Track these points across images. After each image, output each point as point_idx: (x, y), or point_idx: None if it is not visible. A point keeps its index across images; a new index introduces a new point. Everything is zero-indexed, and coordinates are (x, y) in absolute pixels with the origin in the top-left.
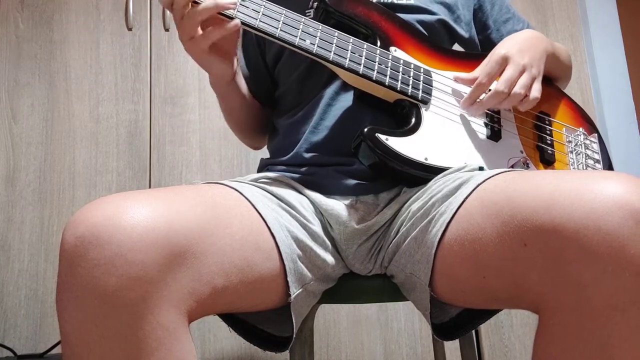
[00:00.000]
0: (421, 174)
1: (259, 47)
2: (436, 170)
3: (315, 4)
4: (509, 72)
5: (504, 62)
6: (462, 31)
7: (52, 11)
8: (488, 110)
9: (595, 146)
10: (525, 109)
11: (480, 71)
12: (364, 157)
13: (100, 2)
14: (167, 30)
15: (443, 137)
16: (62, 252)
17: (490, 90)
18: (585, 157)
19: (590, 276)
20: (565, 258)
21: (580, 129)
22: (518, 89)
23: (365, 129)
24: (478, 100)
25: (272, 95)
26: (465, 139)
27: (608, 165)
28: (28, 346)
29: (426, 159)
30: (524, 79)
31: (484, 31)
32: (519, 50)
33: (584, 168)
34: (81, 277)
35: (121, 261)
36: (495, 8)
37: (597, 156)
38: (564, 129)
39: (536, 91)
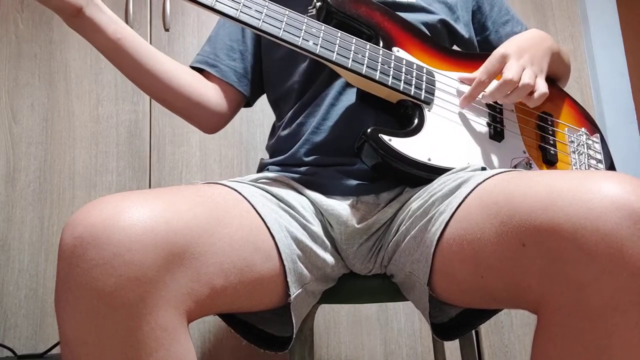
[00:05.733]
0: (424, 174)
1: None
2: (439, 171)
3: (318, 3)
4: (511, 65)
5: (503, 60)
6: (462, 31)
7: (52, 11)
8: (490, 110)
9: (598, 146)
10: (534, 105)
11: (481, 70)
12: (367, 158)
13: None
14: (167, 30)
15: (446, 137)
16: (61, 253)
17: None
18: (588, 157)
19: (588, 277)
20: (563, 258)
21: (583, 129)
22: (526, 79)
23: (369, 130)
24: (485, 94)
25: (245, 76)
26: (468, 139)
27: (610, 166)
28: (28, 346)
29: (429, 159)
30: (528, 72)
31: (483, 32)
32: (518, 49)
33: (587, 168)
34: (80, 277)
35: (120, 261)
36: (494, 10)
37: (600, 156)
38: (566, 129)
39: (542, 86)
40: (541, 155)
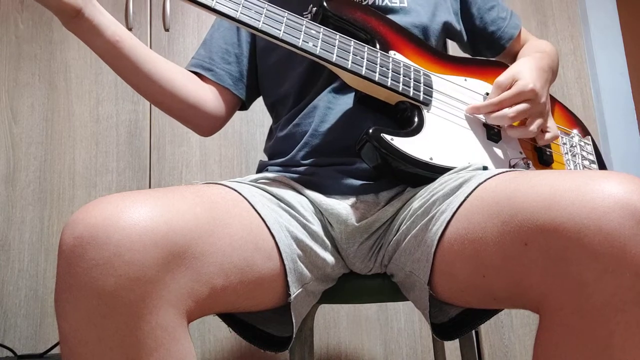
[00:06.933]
0: (426, 173)
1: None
2: (441, 170)
3: (315, 8)
4: (523, 106)
5: (524, 96)
6: (455, 24)
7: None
8: None
9: (590, 148)
10: (542, 144)
11: (500, 95)
12: (368, 158)
13: (100, 2)
14: (167, 30)
15: (446, 137)
16: (61, 252)
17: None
18: (582, 157)
19: (591, 276)
20: (566, 258)
21: (575, 131)
22: (534, 127)
23: (370, 130)
24: (490, 116)
25: (239, 80)
26: (467, 139)
27: (603, 167)
28: (28, 346)
29: (431, 158)
30: (540, 121)
31: (468, 20)
32: (542, 87)
33: (581, 168)
34: (80, 277)
35: (120, 261)
36: None
37: (592, 157)
38: (559, 131)
39: (555, 129)
40: (537, 156)
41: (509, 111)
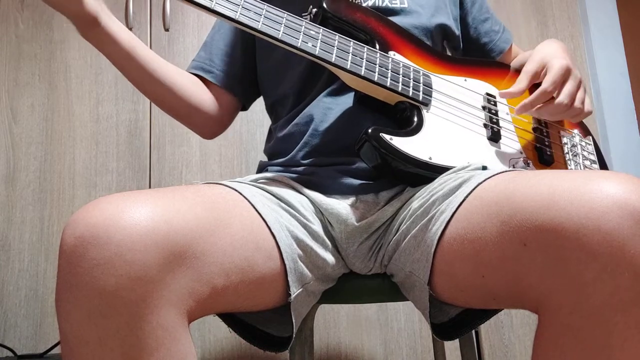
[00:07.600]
0: (426, 173)
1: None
2: (440, 170)
3: (314, 9)
4: (570, 86)
5: (568, 73)
6: (454, 28)
7: (52, 11)
8: (486, 111)
9: (591, 148)
10: (577, 121)
11: (547, 80)
12: (367, 158)
13: None
14: (167, 30)
15: (446, 137)
16: (62, 252)
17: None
18: (583, 157)
19: (590, 276)
20: (564, 258)
21: (576, 131)
22: (578, 103)
23: (370, 129)
24: (541, 108)
25: (239, 81)
26: (466, 139)
27: (604, 167)
28: (28, 346)
29: (430, 158)
30: (582, 94)
31: (463, 28)
32: (572, 63)
33: (582, 168)
34: (81, 277)
35: (121, 261)
36: (475, 6)
37: (593, 157)
38: (560, 131)
39: (589, 105)
40: (537, 155)
41: (563, 99)
